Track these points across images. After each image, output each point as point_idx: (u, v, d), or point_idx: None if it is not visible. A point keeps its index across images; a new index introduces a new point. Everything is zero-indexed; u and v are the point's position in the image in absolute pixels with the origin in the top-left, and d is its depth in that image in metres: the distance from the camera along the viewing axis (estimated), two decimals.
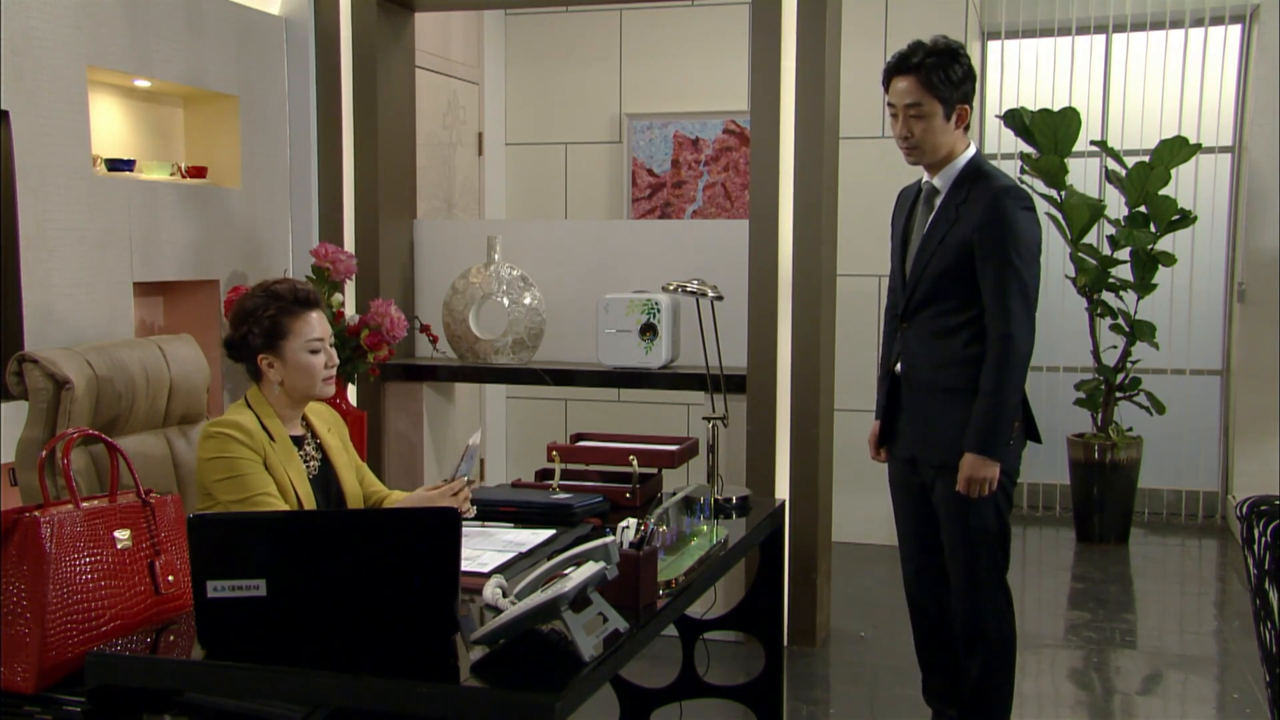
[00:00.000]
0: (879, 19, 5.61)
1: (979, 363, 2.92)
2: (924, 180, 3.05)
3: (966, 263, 2.91)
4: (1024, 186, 2.94)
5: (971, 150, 2.99)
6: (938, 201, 2.99)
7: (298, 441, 2.71)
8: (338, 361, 2.76)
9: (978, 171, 2.95)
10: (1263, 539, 2.29)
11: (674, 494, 2.56)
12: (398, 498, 2.81)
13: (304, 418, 2.76)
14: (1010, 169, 6.25)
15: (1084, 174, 6.18)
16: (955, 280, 2.93)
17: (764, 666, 3.15)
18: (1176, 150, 5.62)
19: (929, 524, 3.10)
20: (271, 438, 2.62)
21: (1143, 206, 5.70)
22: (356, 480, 2.80)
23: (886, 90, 2.97)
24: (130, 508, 2.32)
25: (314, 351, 2.66)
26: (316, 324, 2.68)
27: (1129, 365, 5.87)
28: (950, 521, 3.01)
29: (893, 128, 3.00)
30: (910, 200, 3.10)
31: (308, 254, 4.05)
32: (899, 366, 3.09)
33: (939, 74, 2.88)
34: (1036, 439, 3.07)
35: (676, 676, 3.26)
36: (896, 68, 2.94)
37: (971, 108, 2.96)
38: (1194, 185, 6.13)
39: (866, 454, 3.31)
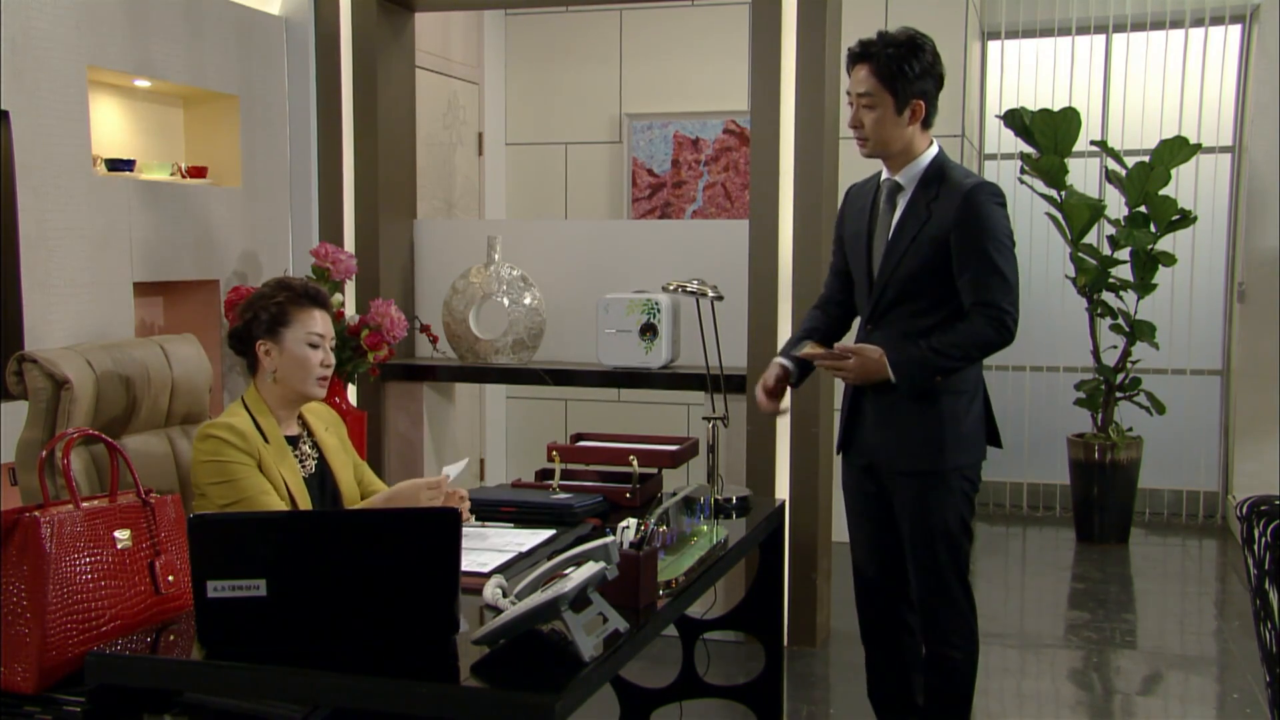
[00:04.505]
0: (879, 19, 5.60)
1: None
2: (883, 177, 2.94)
3: (941, 262, 2.80)
4: (993, 182, 2.86)
5: (935, 148, 2.89)
6: (902, 200, 2.87)
7: (293, 441, 2.71)
8: (333, 364, 2.75)
9: (944, 170, 2.85)
10: (1263, 539, 2.29)
11: (674, 494, 2.56)
12: (381, 490, 2.79)
13: (300, 417, 2.77)
14: (1010, 169, 6.26)
15: (1084, 174, 6.19)
16: (929, 280, 2.82)
17: (764, 666, 3.15)
18: (1176, 150, 5.63)
19: (886, 531, 2.99)
20: (266, 439, 2.62)
21: (1143, 206, 5.70)
22: (354, 479, 2.80)
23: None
24: (130, 508, 2.32)
25: (313, 346, 2.67)
26: (320, 320, 2.70)
27: (1129, 365, 5.87)
28: (913, 525, 2.89)
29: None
30: (869, 198, 2.97)
31: (308, 254, 4.05)
32: None
33: (894, 65, 2.79)
34: (997, 443, 2.96)
35: (676, 676, 3.26)
36: (856, 55, 2.86)
37: (932, 107, 2.85)
38: (1194, 185, 6.13)
39: None
